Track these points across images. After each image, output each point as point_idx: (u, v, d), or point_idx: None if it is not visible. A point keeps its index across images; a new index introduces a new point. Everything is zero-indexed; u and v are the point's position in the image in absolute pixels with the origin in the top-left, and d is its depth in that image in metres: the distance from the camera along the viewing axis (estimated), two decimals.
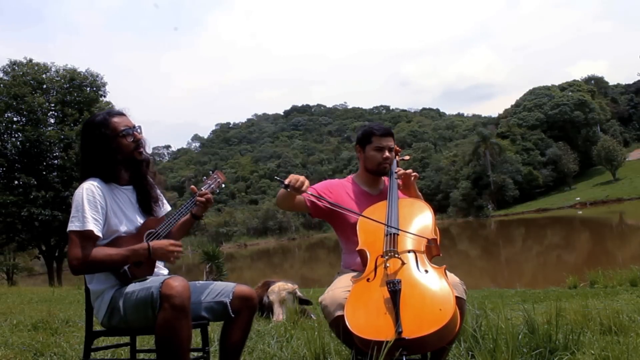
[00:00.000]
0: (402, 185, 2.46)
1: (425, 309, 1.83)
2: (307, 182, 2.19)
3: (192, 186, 2.28)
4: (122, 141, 2.12)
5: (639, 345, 2.51)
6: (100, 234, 2.01)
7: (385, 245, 2.09)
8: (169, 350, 1.84)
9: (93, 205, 2.01)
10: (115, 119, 2.14)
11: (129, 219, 2.13)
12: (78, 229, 1.97)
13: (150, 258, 2.03)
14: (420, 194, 2.49)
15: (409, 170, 2.45)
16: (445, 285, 1.91)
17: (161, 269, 2.24)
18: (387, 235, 2.13)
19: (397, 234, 2.13)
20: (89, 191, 2.04)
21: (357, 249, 2.20)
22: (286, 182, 2.14)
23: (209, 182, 2.32)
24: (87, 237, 1.98)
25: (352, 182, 2.56)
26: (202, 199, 2.23)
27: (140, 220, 2.17)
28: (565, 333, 2.61)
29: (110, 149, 2.10)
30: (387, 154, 2.45)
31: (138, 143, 2.16)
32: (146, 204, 2.21)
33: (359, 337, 1.82)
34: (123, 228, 2.09)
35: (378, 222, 2.18)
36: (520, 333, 2.63)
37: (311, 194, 2.30)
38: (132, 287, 1.99)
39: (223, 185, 2.34)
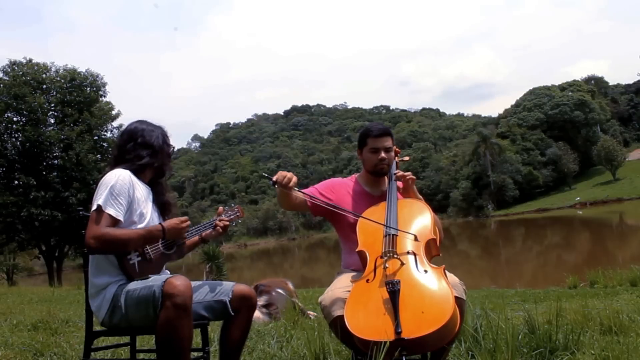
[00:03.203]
0: (402, 187, 2.46)
1: (424, 309, 1.83)
2: (294, 179, 2.19)
3: (220, 208, 2.41)
4: (169, 155, 2.34)
5: (639, 345, 2.51)
6: (121, 219, 2.06)
7: (384, 246, 2.09)
8: (169, 349, 1.84)
9: (123, 192, 2.07)
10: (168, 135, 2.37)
11: (148, 212, 2.19)
12: (103, 208, 2.02)
13: (165, 237, 2.12)
14: (419, 195, 2.48)
15: (408, 173, 2.44)
16: (444, 285, 1.91)
17: (164, 271, 2.25)
18: (386, 236, 2.13)
19: (396, 235, 2.13)
20: (122, 177, 2.10)
21: (356, 250, 2.20)
22: (274, 178, 2.18)
23: (229, 212, 2.43)
24: (107, 217, 2.02)
25: (355, 182, 2.55)
26: (221, 224, 2.33)
27: (155, 216, 2.24)
28: (565, 333, 2.61)
29: (162, 155, 2.29)
30: (382, 154, 2.42)
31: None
32: (162, 204, 2.31)
33: (358, 337, 1.82)
34: (142, 220, 2.14)
35: (377, 222, 2.18)
36: (520, 333, 2.63)
37: (302, 191, 2.30)
38: (134, 285, 2.00)
39: (240, 221, 2.46)
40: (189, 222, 2.17)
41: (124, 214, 2.07)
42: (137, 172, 2.21)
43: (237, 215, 2.43)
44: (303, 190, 2.34)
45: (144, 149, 2.23)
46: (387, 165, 2.45)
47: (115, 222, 2.03)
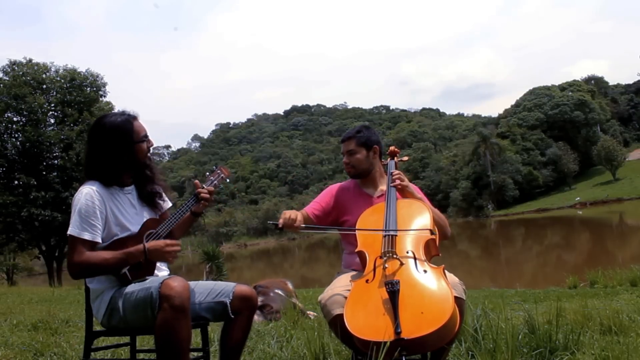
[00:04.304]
0: (400, 190, 2.43)
1: (424, 309, 1.83)
2: (298, 217, 2.26)
3: (196, 181, 2.26)
4: (140, 146, 2.14)
5: (639, 345, 2.51)
6: (99, 240, 2.01)
7: (384, 247, 2.09)
8: (168, 350, 1.84)
9: (92, 211, 2.01)
10: (136, 123, 2.15)
11: (130, 222, 2.12)
12: (76, 235, 1.97)
13: (147, 259, 2.02)
14: (417, 194, 2.44)
15: (397, 182, 2.41)
16: (443, 285, 1.92)
17: (162, 270, 2.23)
18: (385, 236, 2.13)
19: (396, 235, 2.14)
20: (88, 196, 2.03)
21: (355, 250, 2.21)
22: (280, 224, 2.20)
23: (211, 178, 2.30)
24: (84, 243, 1.98)
25: (354, 184, 2.60)
26: (205, 195, 2.21)
27: (142, 220, 2.16)
28: (565, 333, 2.62)
29: (128, 154, 2.11)
30: (345, 159, 2.56)
31: (149, 148, 2.20)
32: (148, 197, 2.21)
33: (358, 338, 1.82)
34: (123, 232, 2.09)
35: (374, 230, 2.19)
36: (520, 333, 2.63)
37: (309, 227, 2.34)
38: (131, 288, 1.99)
39: (227, 180, 2.33)
40: (177, 248, 2.04)
41: (101, 232, 2.02)
42: (114, 180, 2.12)
43: (222, 177, 2.31)
44: (309, 226, 2.36)
45: (109, 158, 2.08)
46: (352, 167, 2.54)
47: (93, 244, 1.99)
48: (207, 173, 2.34)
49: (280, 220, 2.20)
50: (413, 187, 2.47)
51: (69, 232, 1.98)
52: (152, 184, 2.23)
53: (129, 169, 2.16)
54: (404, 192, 2.44)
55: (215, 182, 2.29)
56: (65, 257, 22.25)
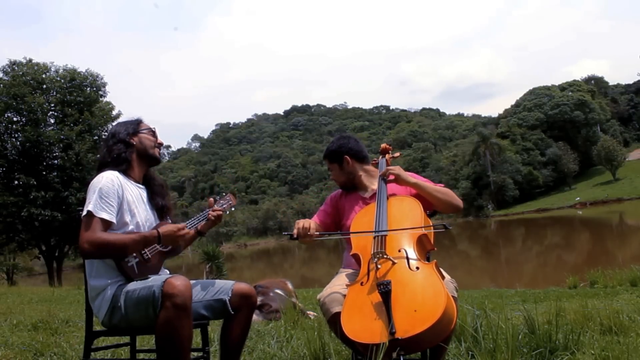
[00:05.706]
0: (395, 180, 2.43)
1: (416, 306, 1.83)
2: (312, 224, 2.28)
3: (211, 199, 2.37)
4: (143, 134, 2.29)
5: (639, 345, 2.51)
6: (114, 220, 2.06)
7: (374, 248, 2.10)
8: (169, 349, 1.84)
9: (112, 193, 2.07)
10: (142, 123, 2.36)
11: (139, 214, 2.18)
12: (94, 212, 2.01)
13: (160, 244, 2.10)
14: (412, 179, 2.41)
15: (387, 171, 2.43)
16: (436, 281, 1.91)
17: (163, 271, 2.25)
18: (375, 237, 2.14)
19: (386, 235, 2.14)
20: (109, 179, 2.10)
21: (350, 254, 2.23)
22: (294, 234, 2.22)
23: (221, 202, 2.41)
24: (100, 221, 2.01)
25: None
26: (215, 214, 2.31)
27: (149, 217, 2.23)
28: (565, 333, 2.61)
29: (134, 138, 2.26)
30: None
31: (159, 144, 2.34)
32: (159, 209, 2.30)
33: (356, 342, 1.83)
34: (133, 221, 2.14)
35: (365, 232, 2.20)
36: (520, 333, 2.63)
37: (322, 234, 2.37)
38: (133, 286, 2.00)
39: (233, 209, 2.45)
40: (187, 231, 2.14)
41: (116, 217, 2.07)
42: (125, 171, 2.21)
43: (230, 204, 2.43)
44: (323, 233, 2.43)
45: (119, 142, 2.23)
46: (337, 182, 2.63)
47: (108, 224, 2.03)
48: (217, 197, 2.44)
49: (295, 231, 2.23)
50: (408, 174, 2.43)
51: (87, 209, 2.02)
52: (163, 199, 2.32)
53: (138, 157, 2.25)
54: (399, 182, 2.43)
55: (224, 205, 2.40)
56: (65, 258, 22.31)
